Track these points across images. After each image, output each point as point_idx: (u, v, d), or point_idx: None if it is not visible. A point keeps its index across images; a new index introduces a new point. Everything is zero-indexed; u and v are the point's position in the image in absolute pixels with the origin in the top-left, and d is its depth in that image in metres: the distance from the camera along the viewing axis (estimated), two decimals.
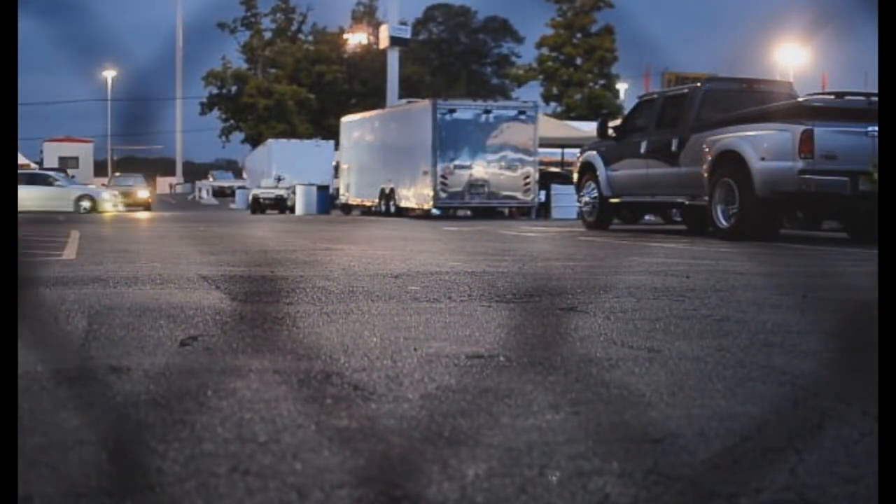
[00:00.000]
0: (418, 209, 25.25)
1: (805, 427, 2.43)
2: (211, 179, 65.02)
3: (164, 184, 65.58)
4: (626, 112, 19.97)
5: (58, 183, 31.47)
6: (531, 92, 56.48)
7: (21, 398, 2.55)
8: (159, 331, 3.86)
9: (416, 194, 25.11)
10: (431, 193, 24.19)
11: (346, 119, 32.64)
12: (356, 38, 55.18)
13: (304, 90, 52.69)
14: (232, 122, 55.30)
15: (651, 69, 50.15)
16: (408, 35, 33.20)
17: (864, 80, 32.54)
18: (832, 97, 12.51)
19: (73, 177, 37.96)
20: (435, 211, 24.84)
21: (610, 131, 16.08)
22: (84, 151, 59.54)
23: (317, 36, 57.52)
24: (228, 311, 4.64)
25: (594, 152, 16.46)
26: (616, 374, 3.04)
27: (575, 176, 17.48)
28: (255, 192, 37.77)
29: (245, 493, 1.84)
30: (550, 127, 31.24)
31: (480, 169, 24.28)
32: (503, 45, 69.25)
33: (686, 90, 14.73)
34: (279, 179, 37.68)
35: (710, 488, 1.92)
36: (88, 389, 2.76)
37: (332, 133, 38.62)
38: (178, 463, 2.02)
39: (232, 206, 46.89)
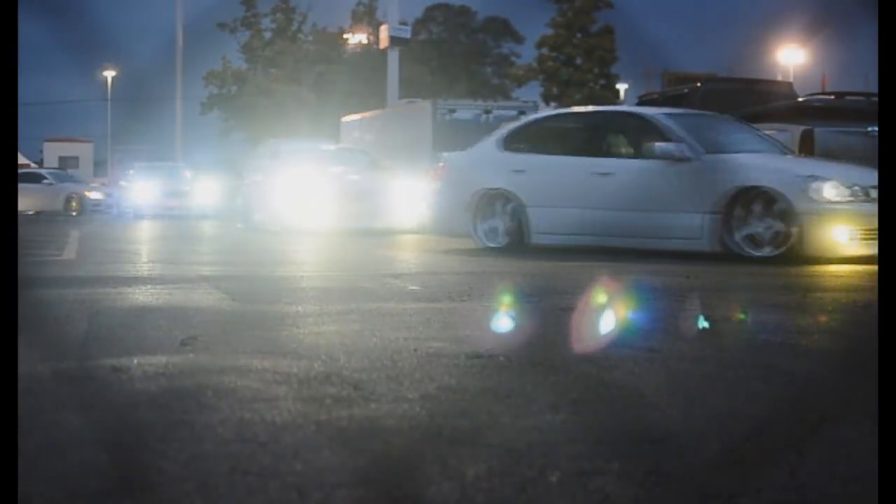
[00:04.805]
0: None
1: (805, 427, 2.43)
2: None
3: None
4: None
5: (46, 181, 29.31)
6: (531, 92, 56.24)
7: (21, 398, 2.55)
8: (159, 331, 3.86)
9: None
10: None
11: (346, 119, 32.58)
12: (356, 38, 55.09)
13: (304, 90, 52.61)
14: (232, 122, 55.17)
15: (651, 69, 50.12)
16: (408, 35, 33.06)
17: (864, 80, 32.48)
18: (832, 97, 12.50)
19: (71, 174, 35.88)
20: None
21: None
22: (84, 151, 59.50)
23: (317, 36, 57.41)
24: (228, 311, 4.65)
25: None
26: (616, 374, 3.04)
27: None
28: None
29: (245, 493, 1.83)
30: None
31: None
32: (503, 45, 69.17)
33: (686, 90, 14.70)
34: None
35: (710, 488, 1.92)
36: (88, 389, 2.76)
37: (332, 133, 38.59)
38: (178, 463, 2.02)
39: None
